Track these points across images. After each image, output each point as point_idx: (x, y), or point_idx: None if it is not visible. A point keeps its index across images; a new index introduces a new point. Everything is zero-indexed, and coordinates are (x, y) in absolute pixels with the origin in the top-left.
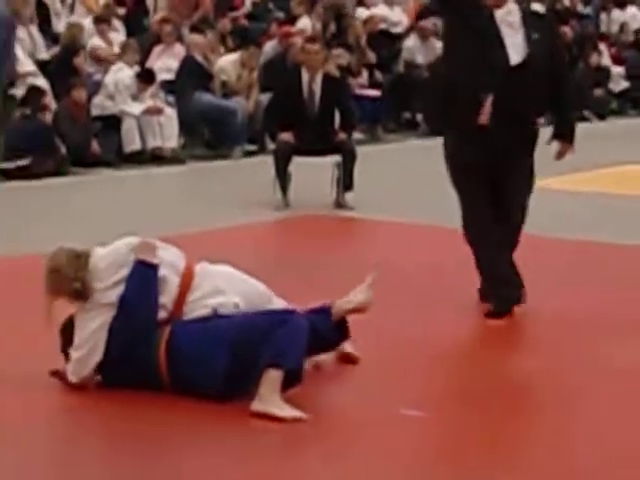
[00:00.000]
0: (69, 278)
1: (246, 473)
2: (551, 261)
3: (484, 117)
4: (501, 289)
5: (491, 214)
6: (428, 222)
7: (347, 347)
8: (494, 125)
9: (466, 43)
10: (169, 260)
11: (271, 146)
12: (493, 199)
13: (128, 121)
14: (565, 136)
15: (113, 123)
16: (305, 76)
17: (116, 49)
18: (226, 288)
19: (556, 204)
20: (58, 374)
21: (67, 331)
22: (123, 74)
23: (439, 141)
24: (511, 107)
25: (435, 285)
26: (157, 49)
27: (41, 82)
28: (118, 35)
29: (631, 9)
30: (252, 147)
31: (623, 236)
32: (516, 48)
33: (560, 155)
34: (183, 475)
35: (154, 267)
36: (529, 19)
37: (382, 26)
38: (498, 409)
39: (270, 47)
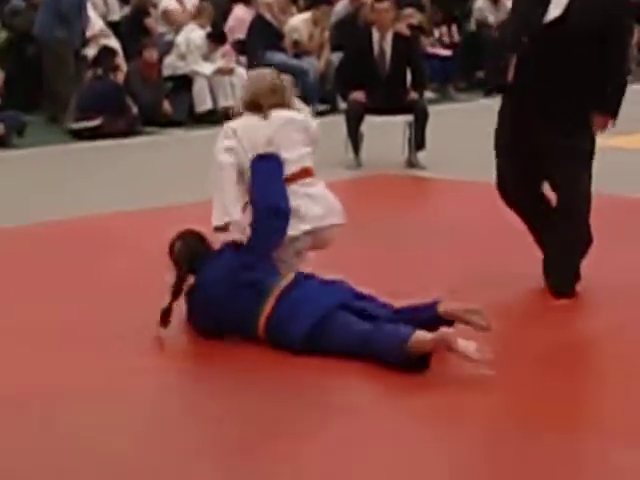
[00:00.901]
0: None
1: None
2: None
3: (509, 78)
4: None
5: (525, 187)
6: None
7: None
8: (520, 93)
9: None
10: None
11: (343, 105)
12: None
13: (199, 81)
14: (604, 107)
15: (184, 83)
16: (376, 35)
17: (188, 9)
18: None
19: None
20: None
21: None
22: (195, 34)
23: None
24: (542, 72)
25: (508, 246)
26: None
27: (113, 43)
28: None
29: None
30: (324, 107)
31: None
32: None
33: (597, 128)
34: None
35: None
36: None
37: None
38: (562, 369)
39: (341, 6)
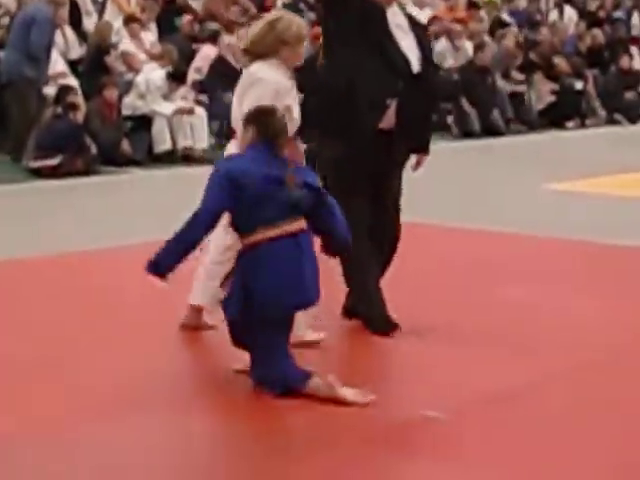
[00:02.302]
0: None
1: None
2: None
3: (387, 122)
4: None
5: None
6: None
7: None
8: (395, 132)
9: (360, 44)
10: None
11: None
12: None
13: (159, 121)
14: (423, 149)
15: (144, 123)
16: None
17: (148, 49)
18: None
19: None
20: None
21: None
22: (154, 74)
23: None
24: (411, 114)
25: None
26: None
27: (72, 81)
28: (149, 35)
29: None
30: None
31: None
32: (413, 53)
33: (417, 166)
34: None
35: None
36: (413, 23)
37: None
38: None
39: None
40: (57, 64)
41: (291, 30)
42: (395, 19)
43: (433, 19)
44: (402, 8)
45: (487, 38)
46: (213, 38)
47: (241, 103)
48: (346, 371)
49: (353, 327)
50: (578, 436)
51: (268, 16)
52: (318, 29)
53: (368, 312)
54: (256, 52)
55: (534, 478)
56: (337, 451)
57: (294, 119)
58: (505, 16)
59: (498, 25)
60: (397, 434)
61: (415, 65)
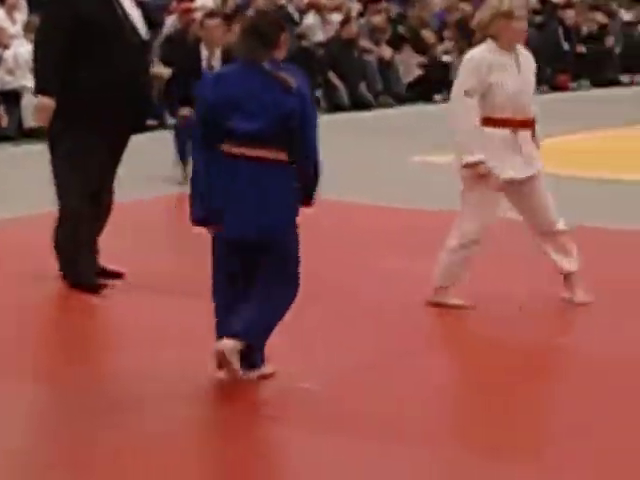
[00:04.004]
0: None
1: None
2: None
3: None
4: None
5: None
6: None
7: None
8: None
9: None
10: None
11: (171, 121)
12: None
13: (28, 96)
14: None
15: (13, 98)
16: (204, 51)
17: (19, 28)
18: None
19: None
20: None
21: None
22: (23, 49)
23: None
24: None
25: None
26: None
27: None
28: (21, 14)
29: None
30: (152, 122)
31: None
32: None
33: None
34: None
35: None
36: None
37: (282, 1)
38: None
39: (170, 22)
40: None
41: None
42: None
43: None
44: None
45: (356, 12)
46: None
47: None
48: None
49: None
50: (450, 399)
51: None
52: (188, 4)
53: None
54: None
55: (412, 445)
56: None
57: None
58: None
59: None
60: (275, 405)
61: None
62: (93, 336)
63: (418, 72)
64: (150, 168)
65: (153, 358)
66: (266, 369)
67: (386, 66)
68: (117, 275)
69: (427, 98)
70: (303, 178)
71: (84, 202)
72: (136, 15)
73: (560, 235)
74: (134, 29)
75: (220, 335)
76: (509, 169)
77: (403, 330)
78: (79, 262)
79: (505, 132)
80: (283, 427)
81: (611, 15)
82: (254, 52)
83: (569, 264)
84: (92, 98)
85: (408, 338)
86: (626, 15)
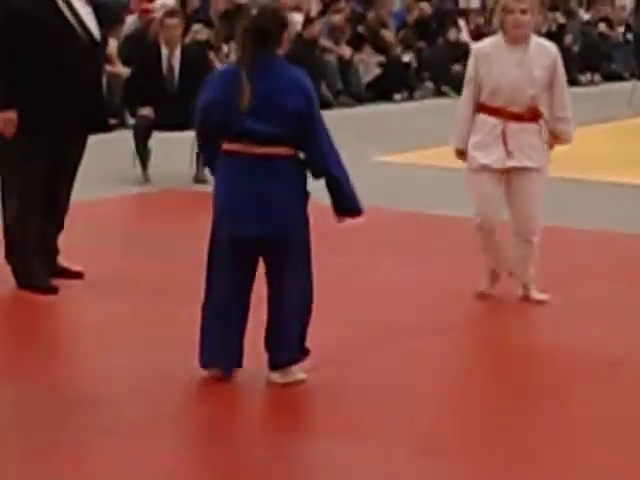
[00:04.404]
0: None
1: None
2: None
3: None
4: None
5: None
6: None
7: None
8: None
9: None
10: None
11: (131, 121)
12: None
13: None
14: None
15: None
16: (164, 51)
17: None
18: None
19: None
20: None
21: None
22: None
23: None
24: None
25: None
26: None
27: None
28: None
29: None
30: (112, 121)
31: None
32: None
33: None
34: None
35: None
36: None
37: (242, 0)
38: None
39: (131, 21)
40: None
41: None
42: None
43: None
44: None
45: (316, 12)
46: None
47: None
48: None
49: None
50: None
51: None
52: (147, 4)
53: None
54: None
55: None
56: None
57: None
58: None
59: None
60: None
61: (96, 33)
62: (47, 336)
63: (377, 71)
64: (109, 168)
65: (106, 359)
66: (299, 375)
67: (346, 65)
68: (76, 275)
69: (387, 97)
70: (330, 183)
71: (31, 205)
72: (86, 14)
73: (529, 244)
74: (84, 28)
75: (214, 364)
76: (488, 156)
77: (359, 327)
78: (31, 264)
79: (494, 121)
80: (255, 427)
81: (570, 15)
82: (258, 51)
83: (520, 271)
84: (37, 101)
85: (362, 337)
86: (585, 15)
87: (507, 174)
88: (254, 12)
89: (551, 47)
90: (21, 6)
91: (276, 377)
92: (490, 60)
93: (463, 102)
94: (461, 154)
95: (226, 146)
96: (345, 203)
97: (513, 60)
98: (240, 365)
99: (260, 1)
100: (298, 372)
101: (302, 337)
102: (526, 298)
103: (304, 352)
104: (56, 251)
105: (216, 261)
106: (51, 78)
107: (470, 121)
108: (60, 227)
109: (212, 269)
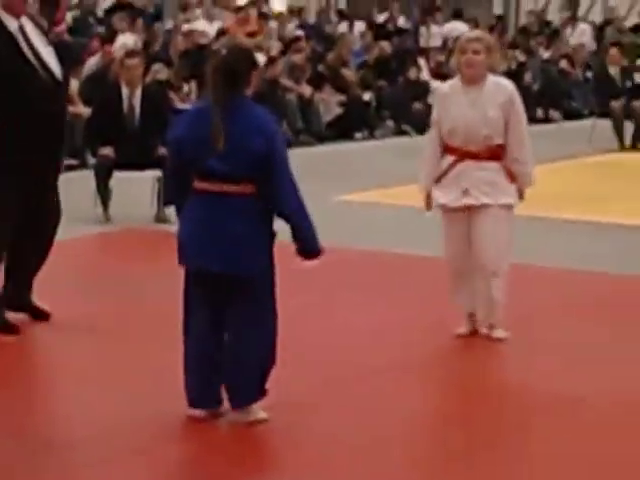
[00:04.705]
0: None
1: None
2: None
3: None
4: None
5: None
6: None
7: None
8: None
9: None
10: None
11: (92, 161)
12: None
13: None
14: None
15: None
16: (125, 91)
17: None
18: None
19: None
20: None
21: None
22: None
23: None
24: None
25: None
26: None
27: None
28: None
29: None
30: (73, 161)
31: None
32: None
33: None
34: None
35: None
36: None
37: (203, 41)
38: None
39: (93, 61)
40: None
41: None
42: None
43: (223, 32)
44: (31, 17)
45: (277, 51)
46: None
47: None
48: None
49: None
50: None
51: None
52: (108, 46)
53: None
54: None
55: None
56: None
57: None
58: (294, 29)
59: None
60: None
61: (57, 73)
62: (16, 378)
63: (338, 111)
64: (70, 208)
65: (77, 399)
66: (260, 414)
67: (306, 105)
68: (44, 314)
69: (347, 136)
70: (290, 224)
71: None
72: (48, 53)
73: (490, 283)
74: (46, 68)
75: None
76: (446, 195)
77: (324, 367)
78: None
79: (452, 159)
80: (227, 466)
81: (530, 53)
82: (229, 91)
83: (481, 312)
84: (3, 143)
85: (327, 376)
86: (545, 53)
87: (469, 212)
88: (224, 52)
89: (507, 85)
90: None
91: (236, 416)
92: (448, 101)
93: (429, 142)
94: (425, 192)
95: (194, 184)
96: (305, 245)
97: (468, 100)
98: (221, 402)
99: (225, 42)
100: (258, 411)
101: (263, 378)
102: (489, 336)
103: (263, 393)
104: (29, 286)
105: (190, 297)
106: (14, 118)
107: (435, 160)
108: (42, 257)
109: (187, 305)
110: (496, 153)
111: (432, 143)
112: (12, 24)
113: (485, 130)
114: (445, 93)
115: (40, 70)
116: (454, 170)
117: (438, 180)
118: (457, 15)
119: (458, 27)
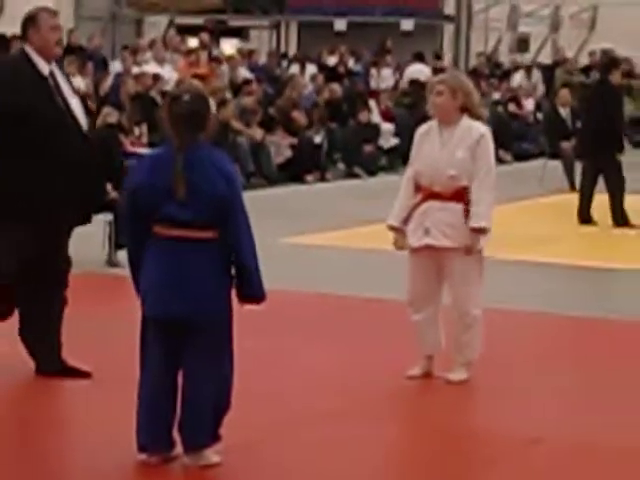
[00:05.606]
0: None
1: None
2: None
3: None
4: None
5: None
6: None
7: None
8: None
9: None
10: None
11: None
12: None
13: None
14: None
15: None
16: None
17: None
18: None
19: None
20: None
21: None
22: None
23: None
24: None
25: None
26: None
27: None
28: None
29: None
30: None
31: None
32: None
33: None
34: None
35: None
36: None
37: (165, 87)
38: None
39: None
40: None
41: None
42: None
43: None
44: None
45: (228, 94)
46: None
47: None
48: None
49: None
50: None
51: None
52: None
53: None
54: None
55: None
56: None
57: None
58: (244, 72)
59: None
60: None
61: (84, 123)
62: None
63: (289, 153)
64: None
65: (30, 451)
66: (212, 458)
67: (257, 147)
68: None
69: (299, 179)
70: (240, 268)
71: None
72: (76, 104)
73: (461, 323)
74: (73, 118)
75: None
76: (412, 236)
77: (275, 412)
78: None
79: (418, 199)
80: None
81: (482, 95)
82: (191, 137)
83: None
84: (27, 190)
85: (279, 422)
86: (495, 94)
87: (436, 254)
88: (186, 98)
89: (479, 128)
90: (28, 102)
91: (189, 460)
92: (423, 140)
93: (404, 181)
94: (393, 230)
95: (153, 229)
96: (250, 290)
97: (440, 141)
98: (173, 445)
99: (185, 87)
100: (212, 455)
101: (217, 423)
102: (447, 379)
103: (216, 438)
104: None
105: (146, 340)
106: (44, 168)
107: (406, 200)
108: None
109: (143, 348)
110: (460, 194)
111: (407, 181)
112: (44, 68)
113: (452, 171)
114: (422, 133)
115: (68, 119)
116: (419, 210)
117: (408, 220)
118: (419, 58)
119: (421, 69)
